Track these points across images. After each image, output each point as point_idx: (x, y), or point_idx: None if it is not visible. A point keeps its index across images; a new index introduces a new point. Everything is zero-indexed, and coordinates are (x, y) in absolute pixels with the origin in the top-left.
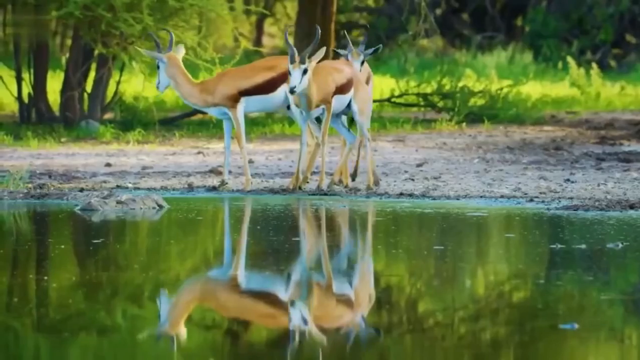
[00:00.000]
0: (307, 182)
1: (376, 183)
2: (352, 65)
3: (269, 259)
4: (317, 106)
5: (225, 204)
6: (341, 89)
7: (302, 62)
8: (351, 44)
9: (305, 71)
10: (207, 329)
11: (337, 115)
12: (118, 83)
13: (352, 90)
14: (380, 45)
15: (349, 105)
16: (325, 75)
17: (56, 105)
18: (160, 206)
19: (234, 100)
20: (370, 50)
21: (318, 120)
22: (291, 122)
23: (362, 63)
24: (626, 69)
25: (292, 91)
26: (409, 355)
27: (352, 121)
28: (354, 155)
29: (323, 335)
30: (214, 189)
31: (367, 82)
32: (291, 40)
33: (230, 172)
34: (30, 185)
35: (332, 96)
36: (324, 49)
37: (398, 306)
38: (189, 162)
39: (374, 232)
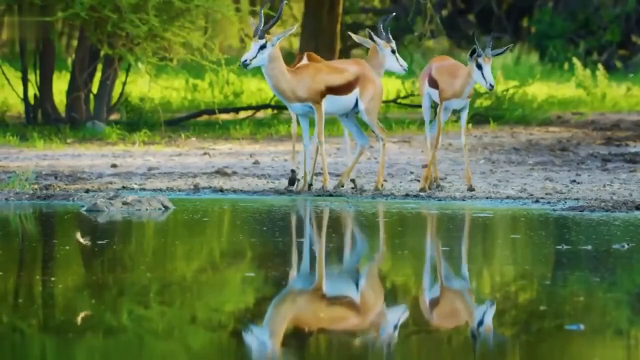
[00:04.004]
0: (311, 185)
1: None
2: (362, 65)
3: (274, 260)
4: (301, 101)
5: (231, 205)
6: (337, 90)
7: (261, 37)
8: (479, 48)
9: (262, 46)
10: (213, 330)
11: (346, 116)
12: (124, 84)
13: (355, 91)
14: (511, 45)
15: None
16: (313, 74)
17: (62, 106)
18: (166, 207)
19: None
20: (500, 50)
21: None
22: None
23: None
24: (632, 70)
25: (243, 64)
26: (415, 355)
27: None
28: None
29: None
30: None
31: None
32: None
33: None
34: (36, 186)
35: (323, 96)
36: (294, 27)
37: (404, 307)
38: (194, 163)
39: (379, 234)
